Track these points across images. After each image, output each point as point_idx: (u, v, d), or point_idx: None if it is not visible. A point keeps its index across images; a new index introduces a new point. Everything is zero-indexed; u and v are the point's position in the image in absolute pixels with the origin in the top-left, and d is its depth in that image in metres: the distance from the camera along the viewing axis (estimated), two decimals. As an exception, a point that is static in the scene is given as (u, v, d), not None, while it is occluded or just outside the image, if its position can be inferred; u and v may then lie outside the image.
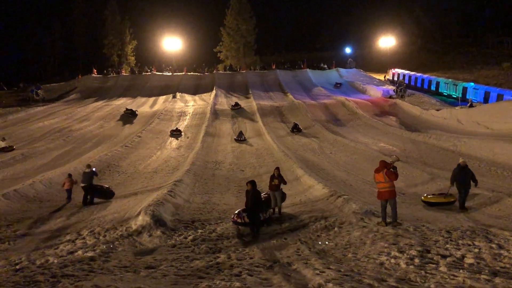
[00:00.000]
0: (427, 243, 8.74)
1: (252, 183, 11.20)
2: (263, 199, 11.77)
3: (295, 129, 28.59)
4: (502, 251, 8.04)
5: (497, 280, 6.70)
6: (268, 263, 8.60)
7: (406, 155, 21.13)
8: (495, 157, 18.41)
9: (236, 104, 36.98)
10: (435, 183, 15.61)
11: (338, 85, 47.18)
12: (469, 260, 7.77)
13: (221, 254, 9.30)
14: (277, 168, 12.68)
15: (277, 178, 12.27)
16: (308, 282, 7.20)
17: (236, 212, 11.10)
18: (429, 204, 13.07)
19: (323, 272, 7.64)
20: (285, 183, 12.59)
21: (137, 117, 34.13)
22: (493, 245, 8.35)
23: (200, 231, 11.20)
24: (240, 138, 28.68)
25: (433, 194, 13.47)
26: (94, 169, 15.62)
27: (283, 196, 12.90)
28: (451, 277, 7.12)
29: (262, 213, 11.36)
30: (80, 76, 54.14)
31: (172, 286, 7.13)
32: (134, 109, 35.82)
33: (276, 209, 12.52)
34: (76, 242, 10.14)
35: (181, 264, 8.64)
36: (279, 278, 7.55)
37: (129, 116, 34.08)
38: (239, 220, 10.79)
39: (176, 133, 28.78)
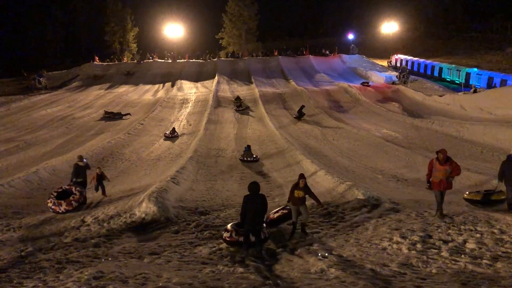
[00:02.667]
0: (429, 229, 8.78)
1: (256, 186, 8.55)
2: (280, 214, 9.89)
3: (300, 113, 27.63)
4: (503, 236, 8.07)
5: (498, 265, 6.74)
6: (271, 249, 8.67)
7: (409, 141, 21.12)
8: (499, 143, 18.36)
9: (238, 99, 33.20)
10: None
11: (366, 84, 39.65)
12: (470, 245, 7.81)
13: (224, 240, 9.37)
14: (303, 177, 9.53)
15: (303, 190, 9.43)
16: (311, 267, 7.28)
17: (228, 227, 8.86)
18: (473, 202, 11.12)
19: (326, 257, 7.71)
20: (312, 195, 9.53)
21: (139, 105, 34.10)
22: (495, 230, 8.38)
23: (203, 217, 11.28)
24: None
25: (477, 191, 11.53)
26: (85, 160, 14.10)
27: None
28: (453, 262, 7.18)
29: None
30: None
31: (176, 272, 7.21)
32: (121, 112, 30.83)
33: (295, 225, 9.69)
34: (81, 229, 10.25)
35: (185, 250, 8.73)
36: (282, 264, 7.62)
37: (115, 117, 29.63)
38: (238, 239, 8.52)
39: (171, 136, 24.38)
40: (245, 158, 19.03)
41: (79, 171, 13.37)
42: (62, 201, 12.18)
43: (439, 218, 9.41)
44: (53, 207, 12.07)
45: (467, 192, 11.59)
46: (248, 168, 17.96)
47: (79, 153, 16.06)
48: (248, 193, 8.40)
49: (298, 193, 9.38)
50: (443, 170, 9.48)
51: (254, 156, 19.21)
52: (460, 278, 6.40)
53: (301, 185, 9.38)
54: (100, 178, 13.96)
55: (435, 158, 9.66)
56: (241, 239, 8.41)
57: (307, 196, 9.43)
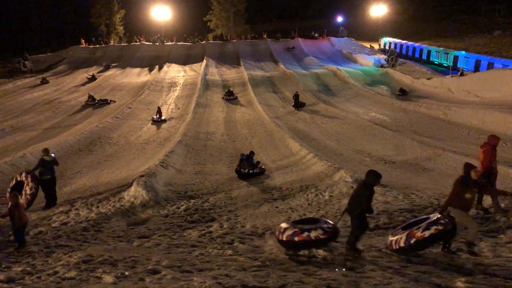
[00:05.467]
0: (416, 210, 8.92)
1: (376, 175, 6.70)
2: (435, 232, 6.23)
3: (297, 102, 25.85)
4: (487, 215, 8.24)
5: (482, 244, 6.87)
6: (259, 231, 8.75)
7: (397, 124, 21.26)
8: (485, 126, 18.58)
9: (230, 93, 30.41)
10: (425, 152, 15.77)
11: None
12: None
13: (213, 223, 9.44)
14: (472, 167, 6.65)
15: (476, 185, 6.61)
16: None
17: (287, 226, 7.08)
18: None
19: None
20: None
21: (126, 89, 33.75)
22: (480, 211, 8.54)
23: (192, 201, 11.33)
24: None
25: None
26: (53, 154, 11.98)
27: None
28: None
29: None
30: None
31: (165, 255, 7.25)
32: (107, 98, 29.54)
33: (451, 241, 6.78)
34: (69, 214, 10.21)
35: (174, 234, 8.78)
36: (270, 246, 7.70)
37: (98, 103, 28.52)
38: (312, 236, 6.69)
39: (159, 120, 24.03)
40: (243, 171, 13.78)
41: (45, 167, 11.19)
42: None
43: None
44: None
45: None
46: (238, 151, 17.93)
47: (66, 137, 15.76)
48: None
49: (470, 193, 6.50)
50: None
51: (258, 166, 14.09)
52: (445, 259, 6.51)
53: (476, 176, 6.64)
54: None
55: (491, 146, 8.71)
56: (336, 230, 6.86)
57: None
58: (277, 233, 7.11)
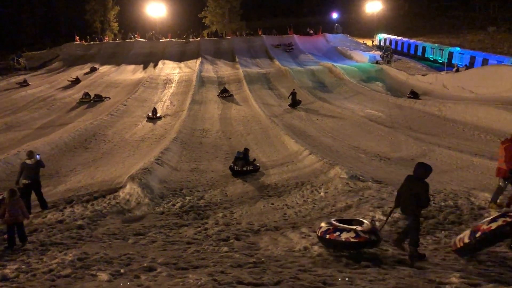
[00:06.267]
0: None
1: (426, 168, 6.44)
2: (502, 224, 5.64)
3: (294, 101, 25.23)
4: (482, 212, 8.29)
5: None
6: (255, 228, 8.75)
7: (392, 121, 21.32)
8: (479, 122, 18.66)
9: (224, 90, 30.18)
10: (420, 148, 15.82)
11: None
12: (451, 221, 8.02)
13: (209, 220, 9.44)
14: None
15: None
16: (295, 246, 7.37)
17: (328, 222, 6.84)
18: None
19: (309, 235, 7.81)
20: None
21: (121, 86, 33.61)
22: (474, 207, 8.59)
23: (188, 198, 11.31)
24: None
25: None
26: (38, 156, 10.79)
27: None
28: (433, 238, 7.36)
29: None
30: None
31: (161, 252, 7.24)
32: (101, 95, 29.24)
33: None
34: (64, 211, 10.17)
35: (170, 231, 8.76)
36: (266, 242, 7.70)
37: (93, 101, 28.22)
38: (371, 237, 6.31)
39: (154, 117, 23.83)
40: (237, 168, 13.67)
41: (28, 171, 10.25)
42: None
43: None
44: None
45: None
46: (233, 148, 17.92)
47: (61, 135, 15.60)
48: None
49: None
50: None
51: (252, 163, 14.06)
52: (440, 254, 6.54)
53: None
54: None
55: None
56: (373, 237, 6.37)
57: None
58: (316, 229, 6.92)
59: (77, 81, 34.36)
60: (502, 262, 6.01)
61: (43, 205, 10.51)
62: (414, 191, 6.32)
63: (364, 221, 6.84)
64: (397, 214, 7.72)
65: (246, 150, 14.37)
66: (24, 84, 33.68)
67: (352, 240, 6.23)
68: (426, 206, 6.58)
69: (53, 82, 35.65)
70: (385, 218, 7.34)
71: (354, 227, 6.41)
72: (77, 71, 39.93)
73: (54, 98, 29.72)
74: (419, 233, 6.52)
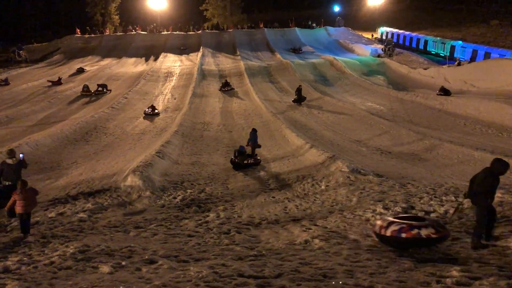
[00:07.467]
0: (411, 200, 8.94)
1: (503, 164, 6.24)
2: None
3: (300, 97, 24.34)
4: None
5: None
6: (256, 221, 8.76)
7: (393, 114, 21.28)
8: (481, 115, 18.63)
9: (226, 83, 29.80)
10: (421, 142, 15.80)
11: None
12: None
13: (210, 213, 9.44)
14: None
15: None
16: (296, 239, 7.38)
17: (391, 220, 6.51)
18: None
19: (310, 228, 7.82)
20: None
21: (122, 78, 33.55)
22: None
23: (189, 191, 11.32)
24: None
25: None
26: (22, 155, 10.12)
27: None
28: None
29: None
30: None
31: (162, 245, 7.26)
32: (103, 88, 28.83)
33: None
34: (66, 204, 10.19)
35: (171, 224, 8.77)
36: (267, 235, 7.71)
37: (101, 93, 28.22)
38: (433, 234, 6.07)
39: (152, 114, 22.83)
40: (239, 161, 13.68)
41: (8, 171, 9.36)
42: None
43: None
44: None
45: None
46: (234, 141, 17.91)
47: (62, 127, 15.56)
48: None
49: None
50: None
51: (254, 156, 14.21)
52: (440, 249, 6.54)
53: None
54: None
55: None
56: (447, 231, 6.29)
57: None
58: (377, 228, 6.50)
59: (58, 82, 31.67)
60: (503, 255, 6.01)
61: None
62: (492, 185, 6.28)
63: (421, 216, 6.77)
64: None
65: (254, 131, 14.82)
66: (2, 83, 31.64)
67: (433, 236, 6.04)
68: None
69: (53, 75, 35.59)
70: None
71: (428, 222, 6.25)
72: (78, 64, 39.88)
73: (55, 90, 29.70)
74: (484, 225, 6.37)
